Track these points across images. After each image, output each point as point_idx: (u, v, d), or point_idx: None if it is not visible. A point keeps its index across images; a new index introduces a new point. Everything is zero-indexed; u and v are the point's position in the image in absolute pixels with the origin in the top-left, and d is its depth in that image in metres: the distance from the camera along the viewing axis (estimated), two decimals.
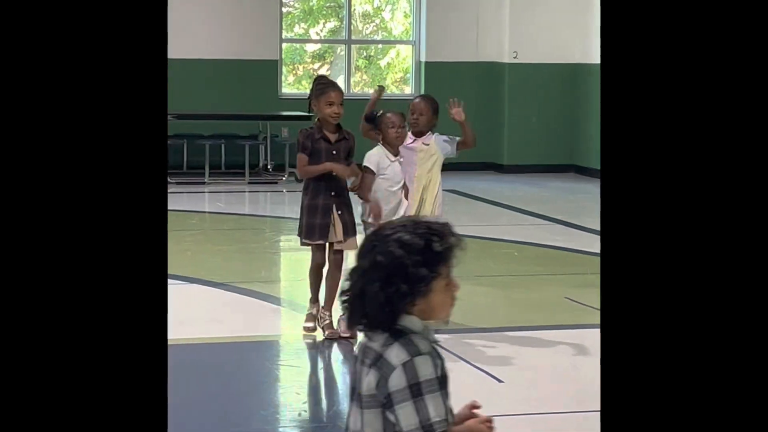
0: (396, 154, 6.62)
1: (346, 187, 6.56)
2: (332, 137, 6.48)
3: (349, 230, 6.51)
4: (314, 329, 6.57)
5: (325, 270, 6.63)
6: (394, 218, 6.63)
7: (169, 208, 9.03)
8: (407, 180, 6.79)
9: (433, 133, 6.90)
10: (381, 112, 6.71)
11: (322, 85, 6.58)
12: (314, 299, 6.67)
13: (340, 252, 6.57)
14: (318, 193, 6.49)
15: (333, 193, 6.48)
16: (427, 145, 6.85)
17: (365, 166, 6.55)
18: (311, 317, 6.62)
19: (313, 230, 6.51)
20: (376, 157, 6.57)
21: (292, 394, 5.59)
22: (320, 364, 6.22)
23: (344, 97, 6.61)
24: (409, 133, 6.86)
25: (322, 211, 6.46)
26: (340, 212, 6.47)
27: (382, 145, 6.61)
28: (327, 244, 6.54)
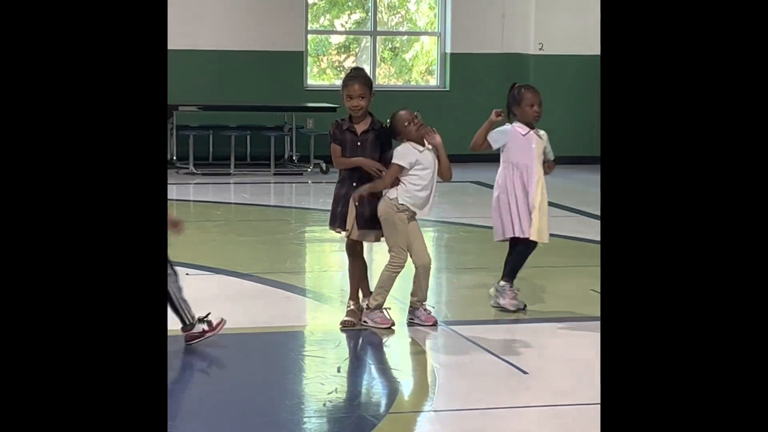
0: (423, 145, 6.60)
1: (371, 178, 6.54)
2: (359, 129, 6.52)
3: (367, 222, 6.52)
4: (353, 324, 6.58)
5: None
6: (427, 207, 6.65)
7: (194, 198, 9.02)
8: (524, 165, 6.88)
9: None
10: (389, 118, 6.63)
11: (347, 77, 6.63)
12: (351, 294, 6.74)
13: (359, 243, 6.61)
14: (344, 183, 6.60)
15: (355, 184, 6.52)
16: (540, 138, 7.00)
17: (393, 162, 6.54)
18: (349, 312, 6.64)
19: (334, 217, 6.63)
20: (402, 150, 6.55)
21: (316, 385, 5.60)
22: (345, 355, 6.23)
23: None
24: (519, 123, 6.87)
25: (343, 200, 6.53)
26: (357, 203, 6.49)
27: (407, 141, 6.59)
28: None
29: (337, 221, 6.61)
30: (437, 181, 6.66)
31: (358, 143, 6.52)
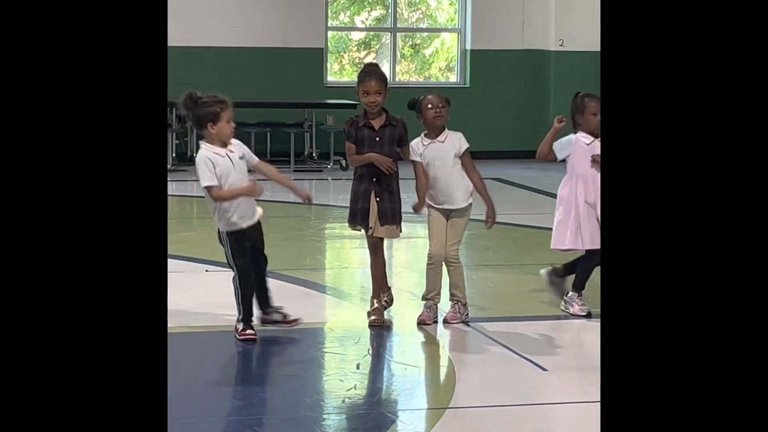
0: (436, 136, 6.60)
1: (391, 175, 6.55)
2: (376, 124, 6.52)
3: (388, 217, 6.52)
4: (381, 323, 6.59)
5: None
6: (454, 199, 6.66)
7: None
8: (588, 175, 6.82)
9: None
10: (421, 96, 6.70)
11: (362, 73, 6.63)
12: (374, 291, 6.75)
13: (379, 239, 6.61)
14: (362, 180, 6.58)
15: (375, 179, 6.52)
16: None
17: (412, 159, 6.61)
18: (374, 311, 6.65)
19: (355, 215, 6.61)
20: (411, 145, 6.61)
21: (336, 381, 5.61)
22: (364, 352, 6.23)
23: (389, 86, 6.62)
24: (583, 133, 6.89)
25: (363, 197, 6.52)
26: (378, 198, 6.50)
27: (425, 130, 6.63)
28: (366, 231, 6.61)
29: (358, 219, 6.60)
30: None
31: (377, 138, 6.52)
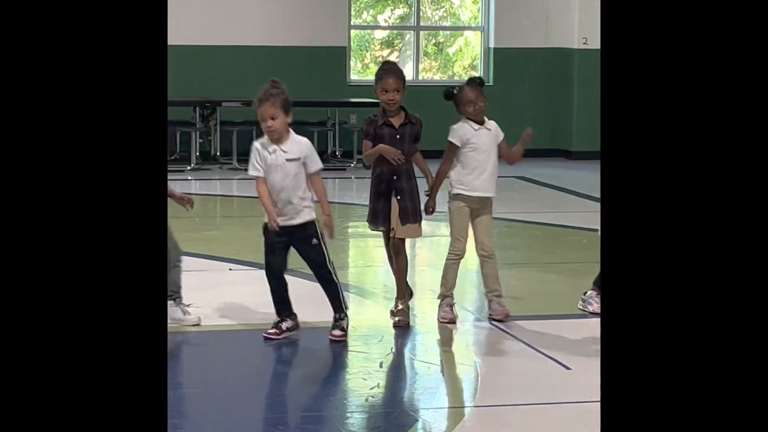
0: (480, 124, 6.61)
1: (409, 172, 6.54)
2: (396, 122, 6.51)
3: (409, 216, 6.51)
4: (407, 324, 6.58)
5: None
6: (492, 187, 6.65)
7: (240, 194, 9.10)
8: None
9: None
10: (459, 87, 6.70)
11: (381, 71, 6.62)
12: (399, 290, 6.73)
13: (401, 239, 6.60)
14: (381, 179, 6.55)
15: (395, 177, 6.50)
16: None
17: (449, 140, 6.59)
18: (399, 311, 6.64)
19: (376, 215, 6.58)
20: (456, 127, 6.60)
21: (359, 380, 5.61)
22: (387, 350, 6.24)
23: (412, 84, 6.62)
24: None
25: (384, 196, 6.51)
26: (399, 197, 6.49)
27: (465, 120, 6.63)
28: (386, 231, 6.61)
29: (380, 219, 6.58)
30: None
31: (397, 136, 6.51)
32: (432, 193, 6.67)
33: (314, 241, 6.17)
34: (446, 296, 6.68)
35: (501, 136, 6.70)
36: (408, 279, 6.75)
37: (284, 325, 6.23)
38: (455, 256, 6.65)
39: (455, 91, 6.67)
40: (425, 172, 6.63)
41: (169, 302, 6.35)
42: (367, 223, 6.76)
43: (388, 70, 6.60)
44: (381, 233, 6.70)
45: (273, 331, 6.21)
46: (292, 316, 6.27)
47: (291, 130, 6.31)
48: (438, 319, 6.65)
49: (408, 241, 6.83)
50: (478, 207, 6.62)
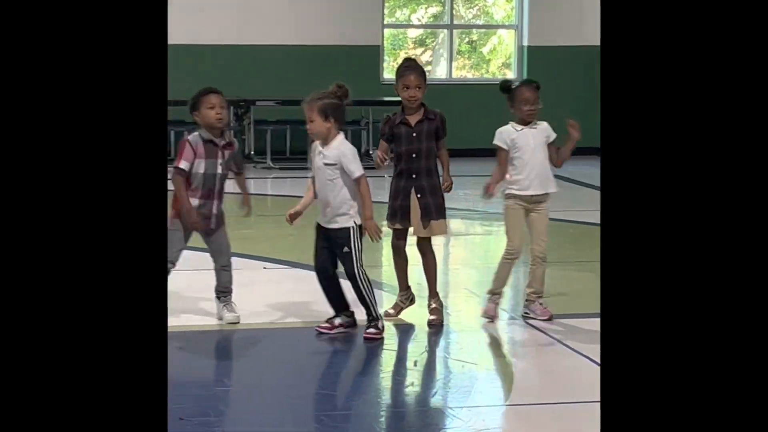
0: (527, 124, 6.58)
1: (429, 169, 6.50)
2: (413, 120, 6.47)
3: (432, 213, 6.48)
4: (440, 322, 6.56)
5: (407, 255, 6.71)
6: (545, 184, 6.63)
7: (271, 193, 9.10)
8: None
9: None
10: (516, 85, 6.66)
11: (402, 68, 6.58)
12: (399, 286, 6.71)
13: (425, 238, 6.57)
14: (401, 177, 6.52)
15: (414, 176, 6.48)
16: None
17: (494, 144, 6.57)
18: (433, 310, 6.62)
19: (395, 213, 6.55)
20: (499, 130, 6.57)
21: (393, 378, 5.62)
22: (421, 349, 6.24)
23: (445, 83, 6.61)
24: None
25: (403, 194, 6.48)
26: (419, 195, 6.47)
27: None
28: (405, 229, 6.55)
29: (398, 216, 6.53)
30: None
31: (414, 134, 6.47)
32: (488, 187, 6.58)
33: (345, 249, 6.18)
34: (495, 293, 6.68)
35: (552, 136, 6.66)
36: (441, 277, 6.74)
37: (337, 321, 6.28)
38: (509, 255, 6.65)
39: (513, 86, 6.64)
40: (444, 169, 6.59)
41: (216, 301, 6.48)
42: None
43: (410, 66, 6.55)
44: (392, 231, 6.62)
45: (326, 325, 6.28)
46: (347, 313, 6.31)
47: (340, 135, 6.25)
48: (481, 314, 6.65)
49: (441, 240, 6.82)
50: (532, 206, 6.63)
